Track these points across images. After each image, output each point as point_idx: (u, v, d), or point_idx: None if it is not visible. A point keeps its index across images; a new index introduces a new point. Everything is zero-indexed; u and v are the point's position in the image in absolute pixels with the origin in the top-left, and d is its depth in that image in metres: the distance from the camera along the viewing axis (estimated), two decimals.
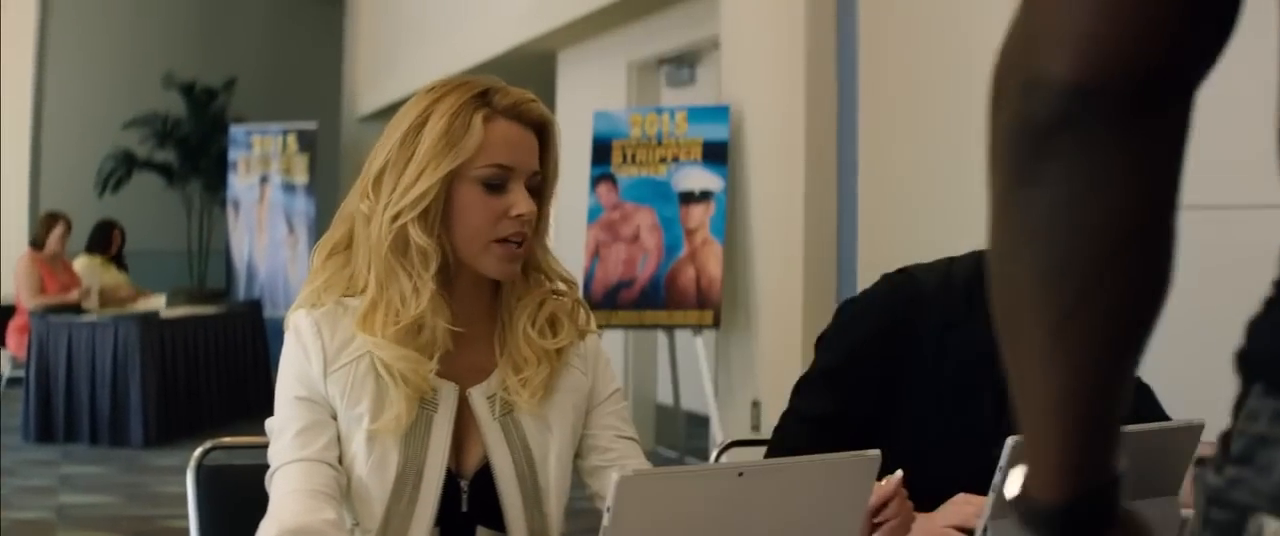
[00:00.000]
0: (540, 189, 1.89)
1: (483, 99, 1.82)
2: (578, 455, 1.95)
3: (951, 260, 2.18)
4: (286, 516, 1.75)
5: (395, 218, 1.80)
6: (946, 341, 2.08)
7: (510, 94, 1.84)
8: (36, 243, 9.29)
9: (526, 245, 1.86)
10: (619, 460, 1.93)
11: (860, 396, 2.10)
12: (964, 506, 1.86)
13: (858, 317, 2.15)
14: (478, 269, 1.85)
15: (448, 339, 1.83)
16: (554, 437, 1.89)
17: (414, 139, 1.81)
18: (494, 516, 1.86)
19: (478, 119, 1.80)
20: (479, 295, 1.91)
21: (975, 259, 2.14)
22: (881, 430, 2.00)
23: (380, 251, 1.82)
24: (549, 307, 1.92)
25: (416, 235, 1.79)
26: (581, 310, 1.98)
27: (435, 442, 1.83)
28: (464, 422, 1.87)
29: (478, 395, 1.87)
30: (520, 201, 1.82)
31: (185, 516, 2.11)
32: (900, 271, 2.18)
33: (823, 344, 2.17)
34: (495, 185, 1.82)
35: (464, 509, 1.86)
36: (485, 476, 1.86)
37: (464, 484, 1.86)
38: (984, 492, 2.04)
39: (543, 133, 1.88)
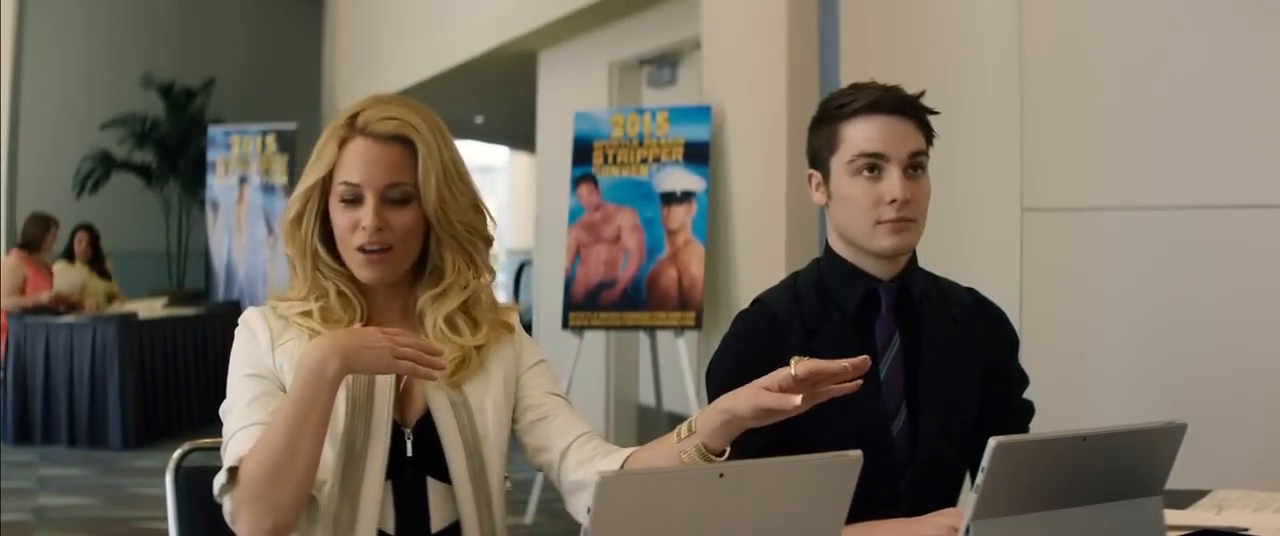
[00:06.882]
0: (409, 201, 1.94)
1: (349, 121, 1.95)
2: (514, 419, 2.04)
3: (795, 274, 2.29)
4: (242, 451, 1.83)
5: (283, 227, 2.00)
6: (814, 348, 2.14)
7: (370, 113, 1.94)
8: (31, 244, 9.23)
9: (392, 255, 1.94)
10: (553, 413, 2.03)
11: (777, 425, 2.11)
12: (949, 519, 1.88)
13: (735, 354, 2.19)
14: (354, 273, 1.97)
15: (350, 313, 1.98)
16: (490, 387, 2.00)
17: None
18: (438, 466, 1.95)
19: (333, 142, 1.95)
20: (388, 294, 2.02)
21: (816, 266, 2.26)
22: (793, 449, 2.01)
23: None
24: (464, 308, 2.02)
25: (285, 243, 1.99)
26: (500, 307, 2.08)
27: (380, 393, 1.94)
28: (404, 377, 1.96)
29: None
30: (366, 215, 1.91)
31: (164, 518, 2.11)
32: (753, 303, 2.27)
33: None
34: (349, 200, 1.93)
35: (409, 453, 1.94)
36: (426, 425, 1.95)
37: (407, 431, 1.95)
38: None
39: (407, 145, 1.94)
